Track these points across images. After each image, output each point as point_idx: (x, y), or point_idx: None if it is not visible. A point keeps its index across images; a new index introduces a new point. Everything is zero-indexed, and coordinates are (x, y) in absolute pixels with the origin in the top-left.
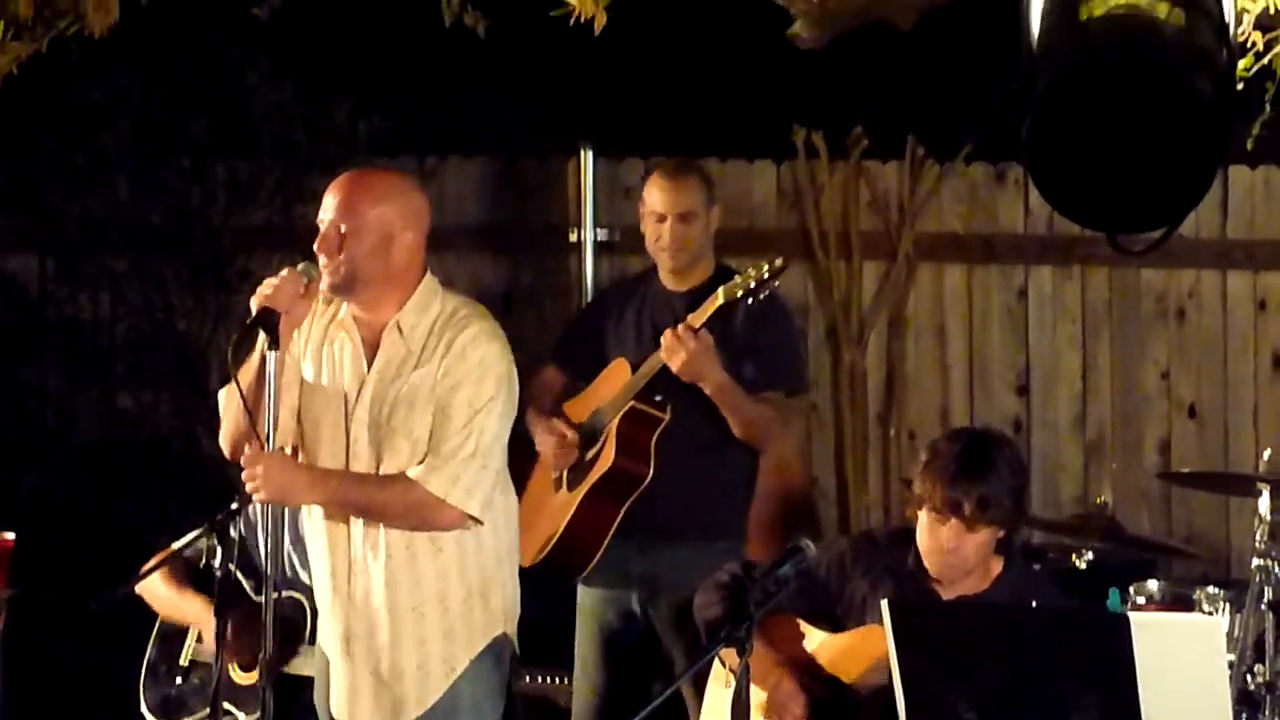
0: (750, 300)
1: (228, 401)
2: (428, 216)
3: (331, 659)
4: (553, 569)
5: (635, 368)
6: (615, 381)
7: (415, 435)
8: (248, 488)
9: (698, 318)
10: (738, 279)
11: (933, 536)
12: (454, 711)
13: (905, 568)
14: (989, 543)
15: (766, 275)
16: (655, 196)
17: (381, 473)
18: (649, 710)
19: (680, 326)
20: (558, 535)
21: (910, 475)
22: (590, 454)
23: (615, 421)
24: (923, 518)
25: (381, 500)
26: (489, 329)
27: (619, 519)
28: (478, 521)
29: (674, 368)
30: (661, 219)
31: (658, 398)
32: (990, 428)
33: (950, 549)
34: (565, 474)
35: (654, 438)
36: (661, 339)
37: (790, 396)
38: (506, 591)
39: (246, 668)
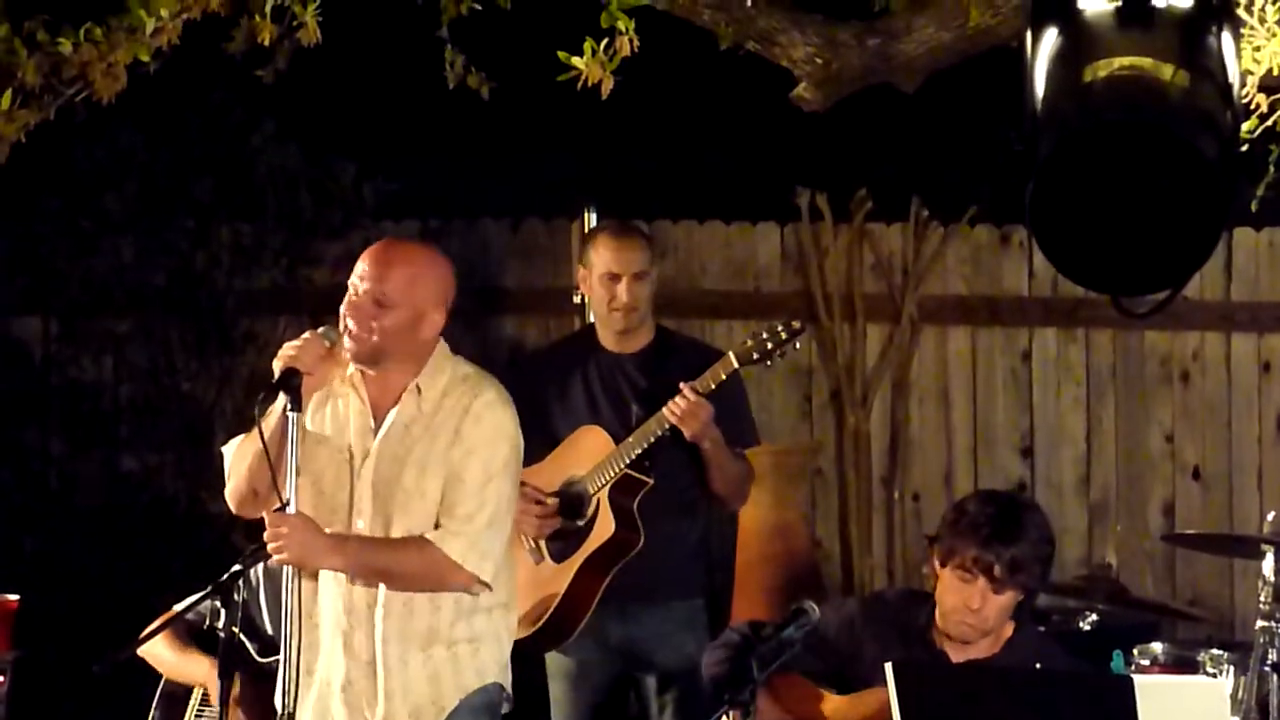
0: (768, 363)
1: (237, 457)
2: (454, 292)
3: (321, 701)
4: (540, 643)
5: (613, 435)
6: (591, 450)
7: (428, 497)
8: (270, 548)
9: (710, 380)
10: (749, 342)
11: (957, 595)
12: None
13: (915, 629)
14: (1010, 606)
15: (785, 337)
16: (607, 257)
17: (393, 534)
18: None
19: (690, 392)
20: (553, 608)
21: (929, 533)
22: (581, 523)
23: (605, 491)
24: (947, 577)
25: (399, 564)
26: (500, 395)
27: (603, 588)
28: (487, 586)
29: (688, 431)
30: (615, 279)
31: (646, 463)
32: (1019, 494)
33: (974, 609)
34: (545, 544)
35: (637, 502)
36: (672, 406)
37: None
38: (501, 645)
39: None
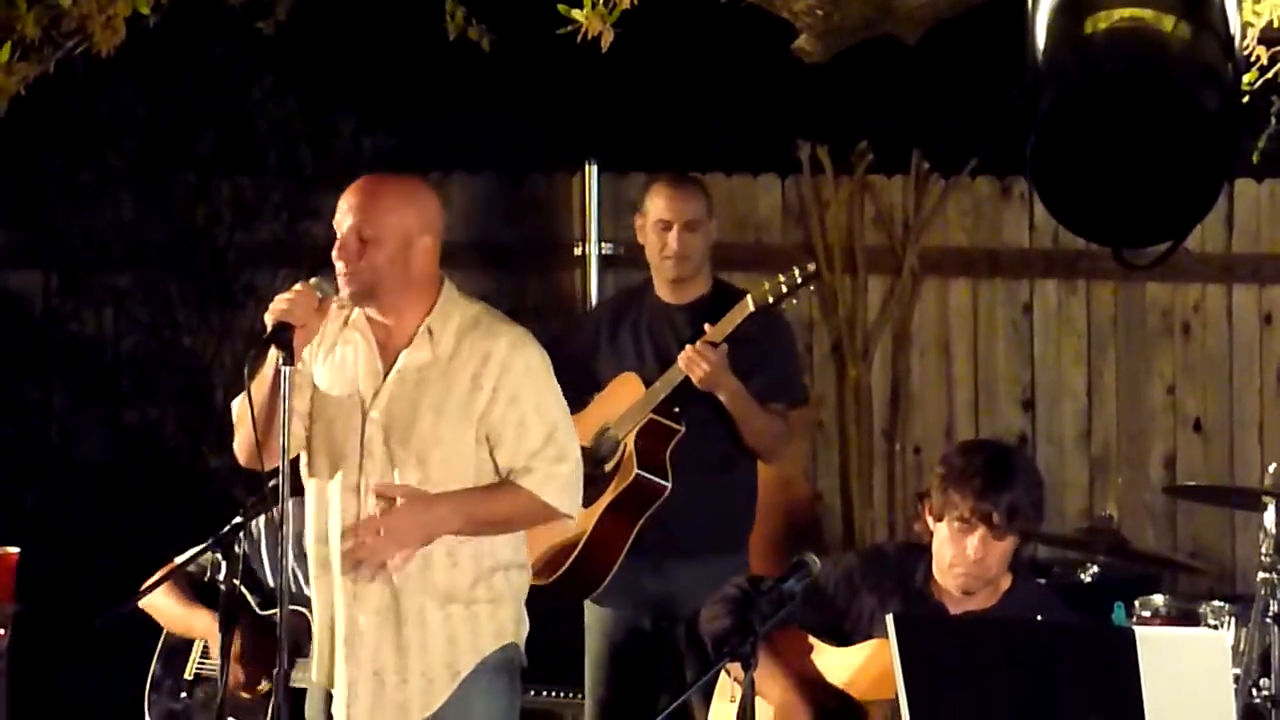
0: (780, 305)
1: (242, 411)
2: (442, 219)
3: (336, 664)
4: (566, 587)
5: (646, 382)
6: (625, 396)
7: (444, 444)
8: (396, 554)
9: (726, 324)
10: (767, 285)
11: (958, 547)
12: None
13: (914, 582)
14: (1010, 552)
15: (799, 281)
16: (660, 205)
17: (406, 479)
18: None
19: (699, 342)
20: (576, 552)
21: (921, 490)
22: (608, 468)
23: (632, 435)
24: (943, 530)
25: (506, 515)
26: (517, 333)
27: (634, 535)
28: (571, 517)
29: (695, 379)
30: (668, 227)
31: (675, 409)
32: (1000, 440)
33: (977, 559)
34: None
35: (669, 450)
36: (681, 354)
37: (791, 409)
38: (519, 604)
39: (250, 681)
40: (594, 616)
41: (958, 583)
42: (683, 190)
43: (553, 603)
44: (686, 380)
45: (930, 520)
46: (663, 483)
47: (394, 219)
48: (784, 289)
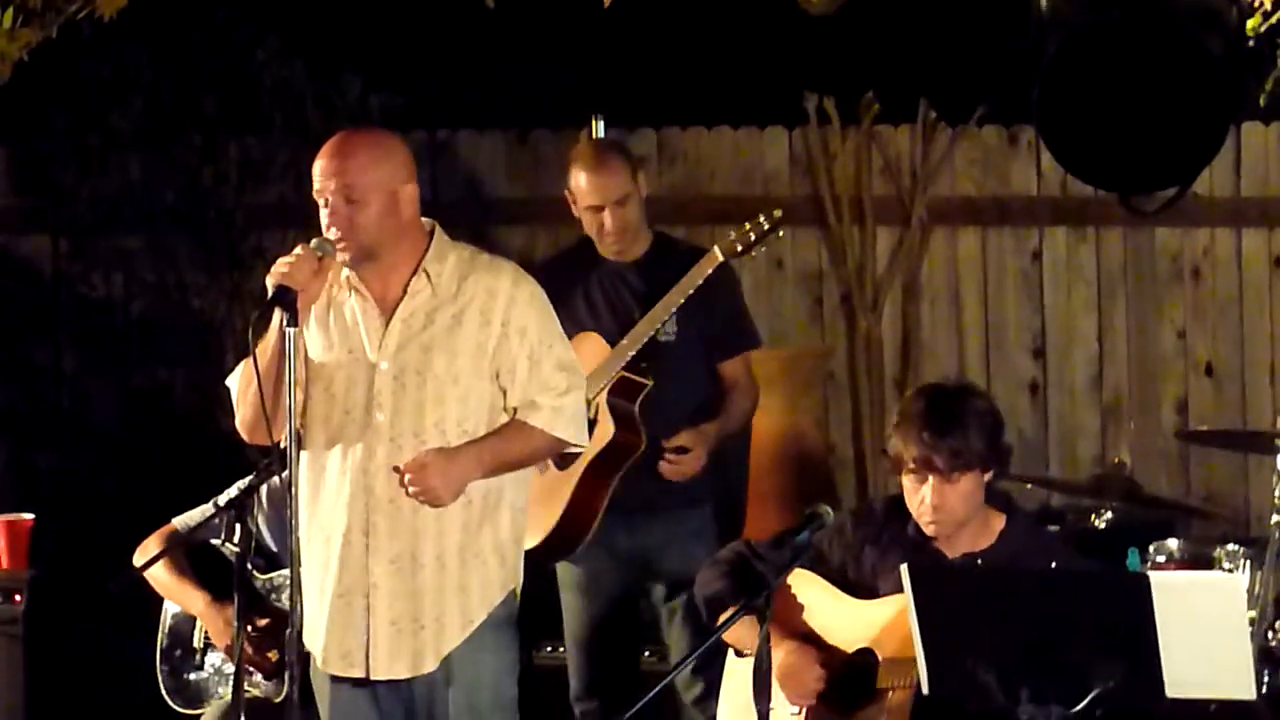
0: (749, 254)
1: (244, 384)
2: (414, 163)
3: (344, 614)
4: (550, 552)
5: (614, 343)
6: (589, 356)
7: (461, 383)
8: (420, 499)
9: (696, 276)
10: (733, 234)
11: (916, 496)
12: (477, 684)
13: (906, 535)
14: (974, 490)
15: (766, 229)
16: (584, 190)
17: (426, 422)
18: (662, 686)
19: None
20: (559, 517)
21: (884, 449)
22: None
23: (603, 395)
24: (905, 482)
25: (520, 455)
26: (516, 267)
27: (609, 493)
28: (582, 448)
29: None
30: (598, 209)
31: (643, 365)
32: (953, 378)
33: (936, 504)
34: None
35: (639, 406)
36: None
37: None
38: (519, 548)
39: (260, 649)
40: (566, 574)
41: (930, 530)
42: (602, 169)
43: (539, 565)
44: (653, 337)
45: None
46: (636, 439)
47: (376, 175)
48: (751, 237)
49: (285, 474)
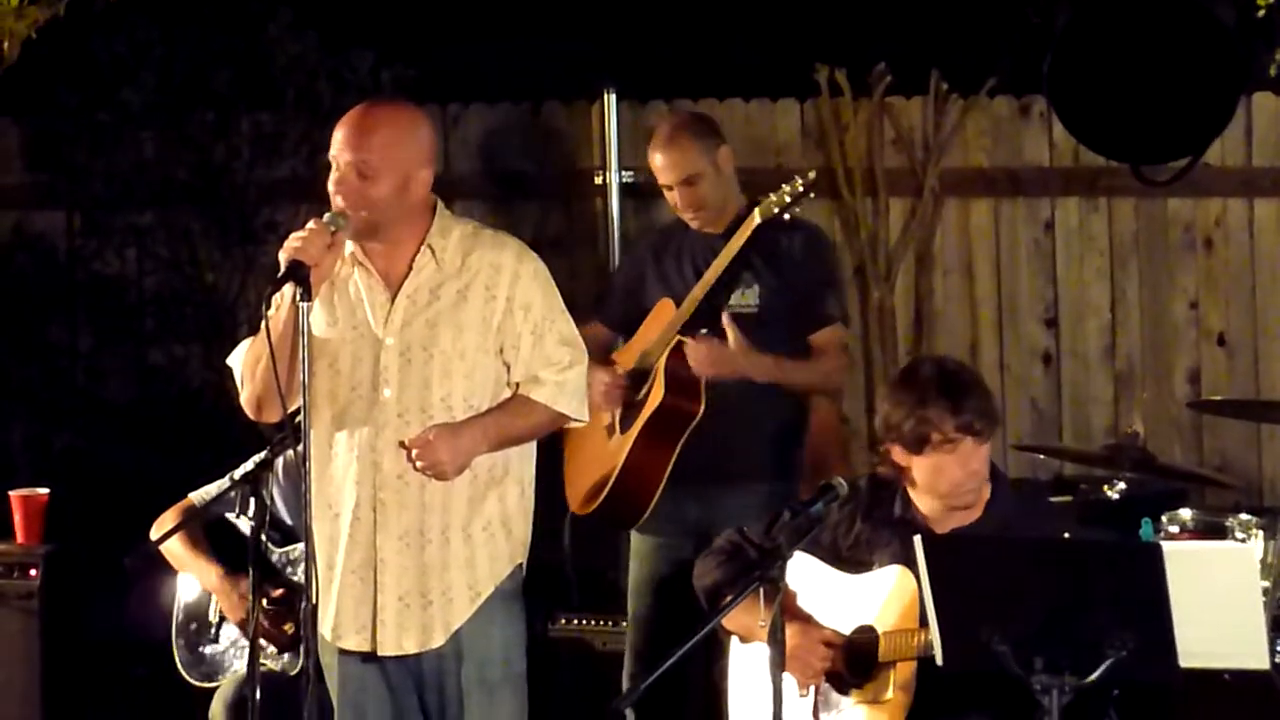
0: (787, 215)
1: (251, 360)
2: (437, 146)
3: (353, 589)
4: (607, 519)
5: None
6: (662, 321)
7: (467, 358)
8: (428, 474)
9: (737, 241)
10: (772, 197)
11: (954, 468)
12: (487, 658)
13: (894, 510)
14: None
15: (802, 189)
16: (656, 168)
17: (433, 397)
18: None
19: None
20: (611, 481)
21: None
22: (641, 394)
23: (663, 358)
24: (930, 461)
25: (523, 430)
26: (519, 241)
27: (672, 462)
28: (582, 421)
29: (706, 375)
30: (670, 188)
31: (704, 330)
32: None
33: (976, 469)
34: (617, 418)
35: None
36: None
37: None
38: (526, 522)
39: (275, 622)
40: (637, 543)
41: (961, 500)
42: (671, 148)
43: (601, 531)
44: (730, 306)
45: (901, 459)
46: (692, 405)
47: (394, 154)
48: (788, 198)
49: (300, 447)
